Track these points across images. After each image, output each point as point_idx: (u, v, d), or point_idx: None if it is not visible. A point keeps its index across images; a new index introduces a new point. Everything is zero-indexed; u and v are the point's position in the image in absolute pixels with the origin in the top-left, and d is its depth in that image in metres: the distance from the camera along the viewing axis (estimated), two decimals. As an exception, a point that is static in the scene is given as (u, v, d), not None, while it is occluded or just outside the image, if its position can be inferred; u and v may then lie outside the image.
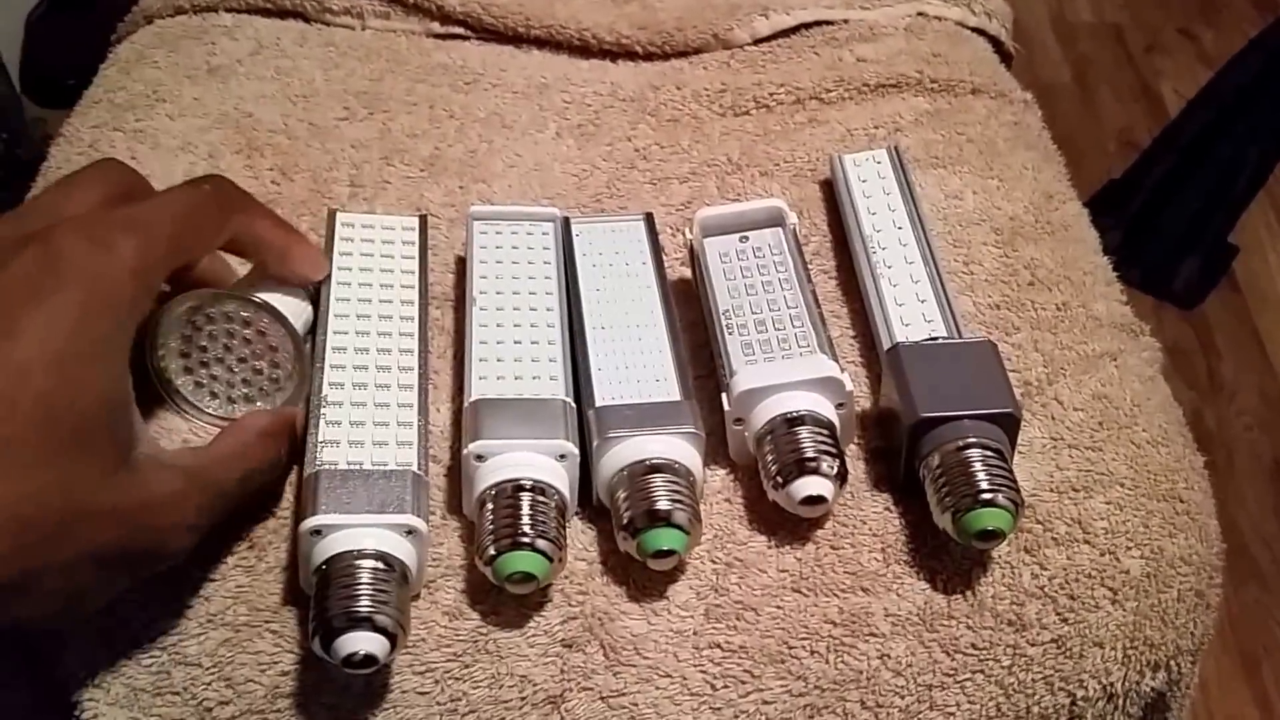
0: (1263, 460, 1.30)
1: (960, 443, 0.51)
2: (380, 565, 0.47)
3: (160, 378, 0.52)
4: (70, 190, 0.46)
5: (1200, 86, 1.67)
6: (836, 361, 0.55)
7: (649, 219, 0.64)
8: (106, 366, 0.42)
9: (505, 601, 0.51)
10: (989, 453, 0.50)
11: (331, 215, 0.62)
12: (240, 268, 0.56)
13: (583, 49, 0.78)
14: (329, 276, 0.58)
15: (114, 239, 0.42)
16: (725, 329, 0.57)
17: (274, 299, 0.53)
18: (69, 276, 0.41)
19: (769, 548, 0.53)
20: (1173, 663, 0.53)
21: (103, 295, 0.41)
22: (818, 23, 0.80)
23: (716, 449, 0.56)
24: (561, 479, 0.51)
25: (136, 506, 0.42)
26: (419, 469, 0.51)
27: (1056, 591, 0.52)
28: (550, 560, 0.49)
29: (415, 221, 0.63)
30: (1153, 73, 1.82)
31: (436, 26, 0.80)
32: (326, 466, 0.50)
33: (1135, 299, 1.45)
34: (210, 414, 0.53)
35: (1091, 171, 1.62)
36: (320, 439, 0.51)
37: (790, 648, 0.50)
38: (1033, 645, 0.51)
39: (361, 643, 0.46)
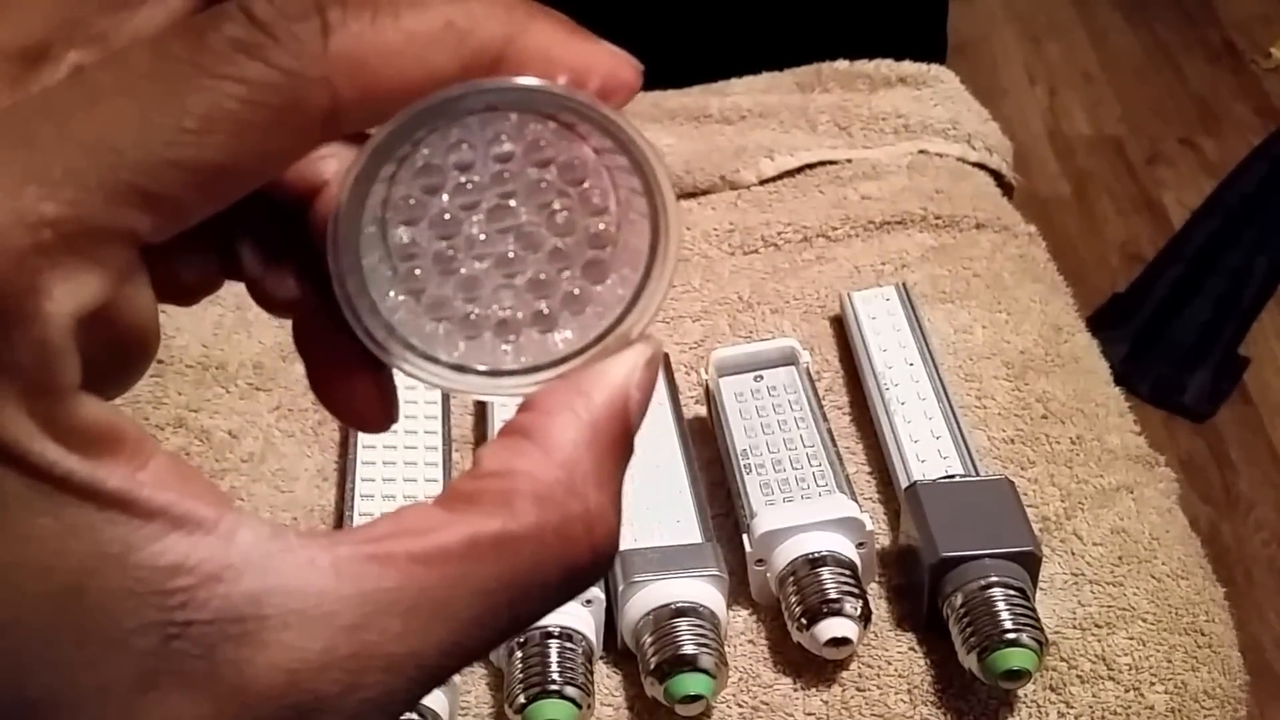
0: (1282, 576, 1.30)
1: (982, 582, 0.51)
2: (414, 716, 0.48)
3: (358, 320, 0.22)
4: None
5: (1204, 196, 1.69)
6: (855, 500, 0.56)
7: (664, 359, 0.65)
8: None
9: (534, 751, 0.51)
10: (1012, 591, 0.51)
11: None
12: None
13: (596, 193, 0.81)
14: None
15: None
16: (744, 469, 0.58)
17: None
18: None
19: (795, 690, 0.53)
20: (1204, 798, 0.53)
21: None
22: (821, 163, 0.82)
23: (737, 589, 0.56)
24: (588, 624, 0.52)
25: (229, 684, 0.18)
26: (447, 619, 0.52)
27: (1084, 729, 0.52)
28: (579, 707, 0.49)
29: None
30: (1155, 184, 1.85)
31: (454, 175, 0.82)
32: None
33: (1145, 414, 1.46)
34: (474, 375, 0.23)
35: (1095, 285, 1.63)
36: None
37: (820, 792, 0.50)
38: (1062, 784, 0.51)
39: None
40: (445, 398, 0.63)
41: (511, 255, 0.22)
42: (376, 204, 0.21)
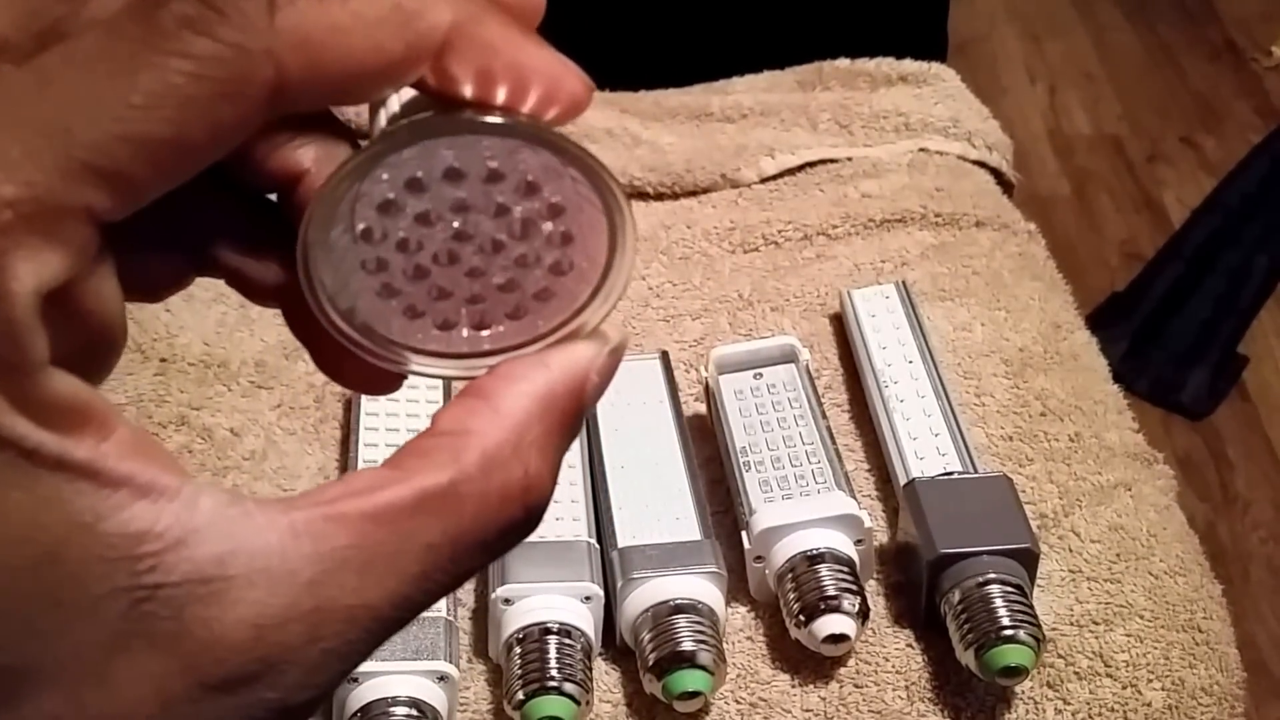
0: (1279, 574, 1.30)
1: (980, 579, 0.51)
2: (413, 712, 0.48)
3: (335, 321, 0.23)
4: None
5: (1204, 195, 1.70)
6: (854, 497, 0.56)
7: (664, 357, 0.65)
8: None
9: (534, 747, 0.51)
10: (1009, 588, 0.51)
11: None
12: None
13: (596, 191, 0.81)
14: (358, 421, 0.60)
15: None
16: (743, 466, 0.58)
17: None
18: None
19: (793, 687, 0.53)
20: (1200, 794, 0.53)
21: None
22: (822, 161, 0.82)
23: (736, 585, 0.56)
24: (587, 620, 0.52)
25: (197, 644, 0.19)
26: (449, 614, 0.52)
27: (1081, 726, 0.52)
28: (577, 703, 0.49)
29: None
30: (1154, 182, 1.85)
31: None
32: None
33: (1143, 412, 1.46)
34: (446, 363, 0.24)
35: (1094, 283, 1.64)
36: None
37: (818, 788, 0.51)
38: (1060, 780, 0.51)
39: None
40: (448, 394, 0.63)
41: (479, 264, 0.23)
42: (346, 211, 0.22)
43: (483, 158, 0.22)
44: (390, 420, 0.61)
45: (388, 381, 0.25)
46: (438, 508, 0.20)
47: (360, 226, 0.22)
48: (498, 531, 0.21)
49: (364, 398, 0.61)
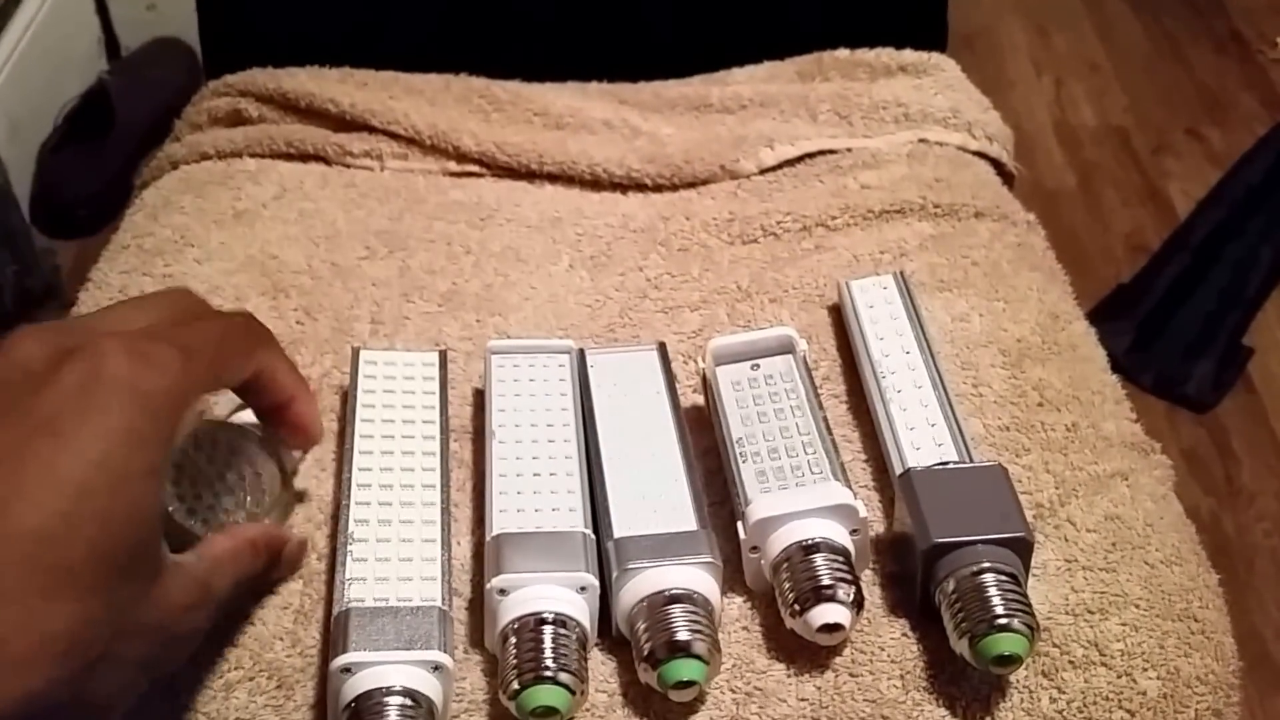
0: (1284, 566, 1.30)
1: (974, 568, 0.51)
2: (408, 702, 0.48)
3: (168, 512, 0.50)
4: (128, 310, 0.46)
5: (1209, 187, 1.69)
6: (849, 488, 0.56)
7: (662, 348, 0.65)
8: (154, 483, 0.41)
9: (529, 736, 0.51)
10: (1003, 578, 0.51)
11: (355, 353, 0.63)
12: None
13: (594, 183, 0.81)
14: (354, 413, 0.60)
15: (157, 355, 0.42)
16: (739, 457, 0.58)
17: (259, 428, 0.55)
18: (115, 392, 0.41)
19: (788, 676, 0.53)
20: (1196, 783, 0.53)
21: (149, 411, 0.41)
22: (821, 152, 0.82)
23: (733, 576, 0.56)
24: (582, 611, 0.52)
25: (168, 619, 0.44)
26: (444, 604, 0.52)
27: (1075, 715, 0.52)
28: (573, 693, 0.49)
29: (435, 357, 0.65)
30: (1160, 174, 1.85)
31: (453, 165, 0.82)
32: (355, 604, 0.51)
33: (1148, 404, 1.46)
34: (197, 537, 0.50)
35: (1100, 275, 1.63)
36: (347, 576, 0.52)
37: (813, 777, 0.51)
38: (1055, 770, 0.51)
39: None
40: (443, 389, 0.63)
41: (225, 494, 0.53)
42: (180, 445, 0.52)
43: (243, 444, 0.54)
44: (386, 413, 0.61)
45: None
46: (231, 558, 0.49)
47: (182, 460, 0.52)
48: (245, 574, 0.50)
49: (360, 390, 0.61)
